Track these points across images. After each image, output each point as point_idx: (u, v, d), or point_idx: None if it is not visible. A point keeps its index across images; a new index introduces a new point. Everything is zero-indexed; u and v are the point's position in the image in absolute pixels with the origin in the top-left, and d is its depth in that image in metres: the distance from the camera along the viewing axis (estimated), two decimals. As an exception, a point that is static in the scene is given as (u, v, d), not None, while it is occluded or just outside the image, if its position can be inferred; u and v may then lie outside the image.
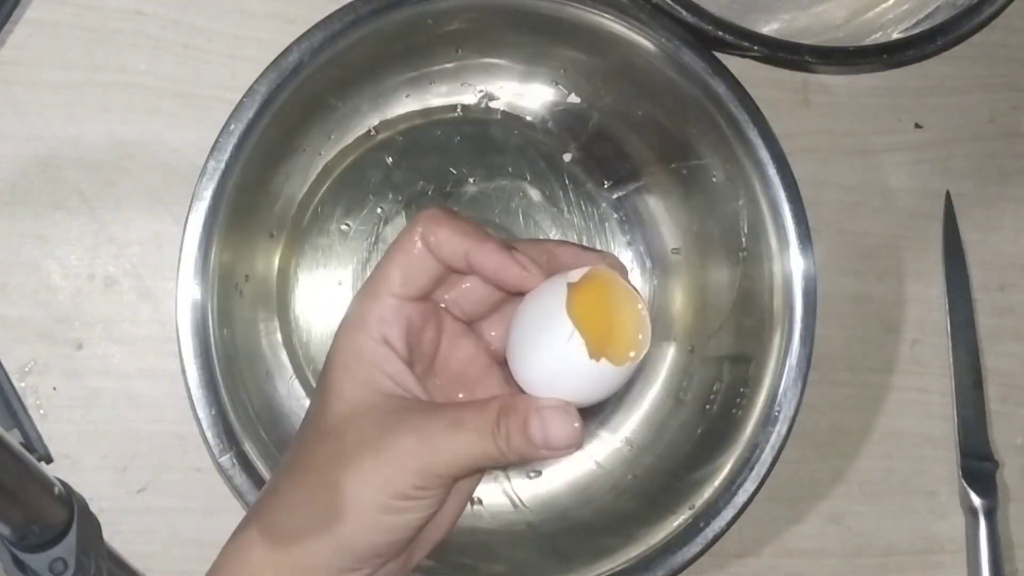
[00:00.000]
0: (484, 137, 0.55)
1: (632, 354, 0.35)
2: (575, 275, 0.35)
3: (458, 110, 0.54)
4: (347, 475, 0.35)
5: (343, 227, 0.53)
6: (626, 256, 0.55)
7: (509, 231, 0.54)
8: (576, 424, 0.36)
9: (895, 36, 0.53)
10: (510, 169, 0.55)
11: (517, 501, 0.53)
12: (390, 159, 0.54)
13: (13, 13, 0.51)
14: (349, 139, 0.53)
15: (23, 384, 0.50)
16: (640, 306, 0.35)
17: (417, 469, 0.35)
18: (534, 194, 0.55)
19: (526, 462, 0.38)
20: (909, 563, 0.58)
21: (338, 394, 0.36)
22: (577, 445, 0.36)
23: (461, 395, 0.39)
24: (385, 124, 0.54)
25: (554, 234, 0.55)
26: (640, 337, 0.35)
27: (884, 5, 0.56)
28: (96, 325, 0.51)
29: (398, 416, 0.35)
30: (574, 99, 0.55)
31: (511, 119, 0.55)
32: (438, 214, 0.38)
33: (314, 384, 0.52)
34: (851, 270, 0.58)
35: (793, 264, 0.51)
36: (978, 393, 0.58)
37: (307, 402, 0.52)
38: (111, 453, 0.51)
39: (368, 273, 0.53)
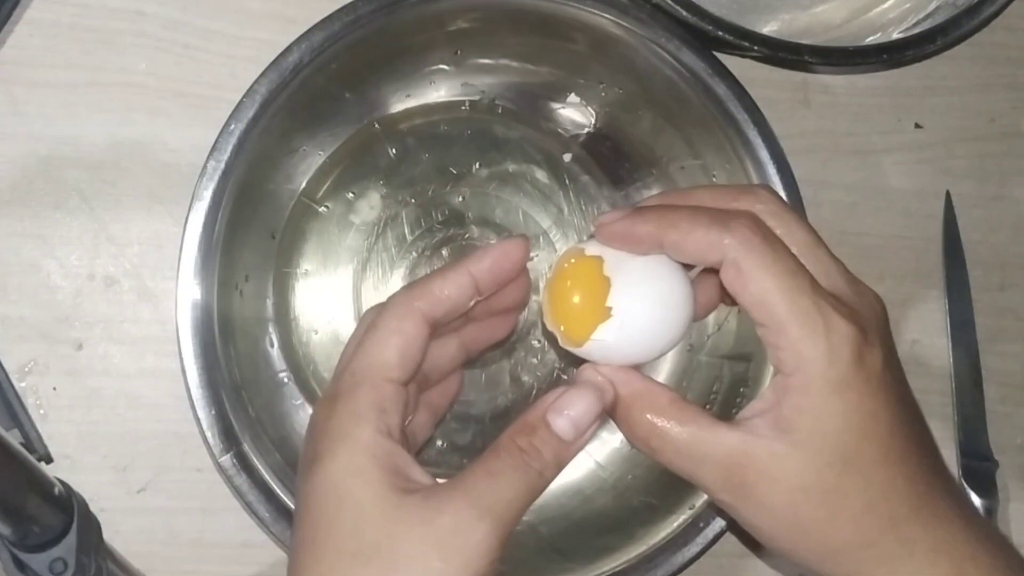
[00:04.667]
0: (485, 137, 0.55)
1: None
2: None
3: (463, 106, 0.54)
4: None
5: (343, 226, 0.53)
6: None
7: (509, 231, 0.54)
8: (592, 394, 0.35)
9: (895, 36, 0.53)
10: (511, 169, 0.55)
11: (517, 501, 0.53)
12: (390, 159, 0.54)
13: (13, 13, 0.51)
14: (349, 138, 0.53)
15: (23, 384, 0.50)
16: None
17: (487, 544, 0.33)
18: (534, 194, 0.55)
19: (566, 463, 0.36)
20: (909, 563, 0.57)
21: (350, 501, 0.33)
22: (602, 406, 0.36)
23: None
24: (385, 123, 0.54)
25: (554, 234, 0.55)
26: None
27: (884, 5, 0.56)
28: (96, 325, 0.51)
29: (429, 505, 0.33)
30: (574, 99, 0.55)
31: (511, 119, 0.55)
32: (411, 285, 0.37)
33: (314, 385, 0.52)
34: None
35: (793, 264, 0.51)
36: (978, 393, 0.58)
37: (306, 403, 0.52)
38: (111, 453, 0.51)
39: (369, 271, 0.53)
